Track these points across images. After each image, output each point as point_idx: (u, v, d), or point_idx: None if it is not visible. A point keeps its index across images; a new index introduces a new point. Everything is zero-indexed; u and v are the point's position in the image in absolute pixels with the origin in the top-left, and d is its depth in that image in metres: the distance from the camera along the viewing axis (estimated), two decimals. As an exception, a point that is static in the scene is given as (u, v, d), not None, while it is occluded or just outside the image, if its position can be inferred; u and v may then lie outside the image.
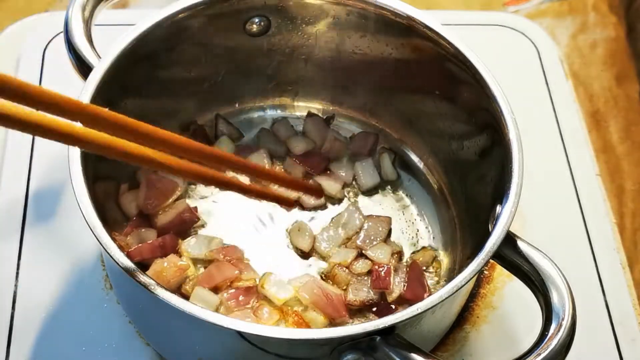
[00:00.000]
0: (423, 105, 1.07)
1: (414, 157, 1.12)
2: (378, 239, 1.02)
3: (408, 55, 1.02)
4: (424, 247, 1.04)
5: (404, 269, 0.98)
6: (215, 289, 0.95)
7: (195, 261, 0.98)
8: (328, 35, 1.05)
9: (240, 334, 0.76)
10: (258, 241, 1.03)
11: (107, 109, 0.69)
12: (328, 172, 1.08)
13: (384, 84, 1.08)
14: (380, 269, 0.96)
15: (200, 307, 0.76)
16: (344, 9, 1.01)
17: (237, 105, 1.14)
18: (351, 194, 1.08)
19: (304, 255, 1.02)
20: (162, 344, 0.94)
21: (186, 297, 0.93)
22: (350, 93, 1.12)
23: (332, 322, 0.93)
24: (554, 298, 0.80)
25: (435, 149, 1.09)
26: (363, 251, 1.01)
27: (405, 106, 1.09)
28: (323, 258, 1.02)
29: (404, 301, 0.96)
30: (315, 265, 1.01)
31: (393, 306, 0.96)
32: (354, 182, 1.09)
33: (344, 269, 0.99)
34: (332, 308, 0.93)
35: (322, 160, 1.09)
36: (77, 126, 0.67)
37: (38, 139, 1.10)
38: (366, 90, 1.11)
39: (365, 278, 0.98)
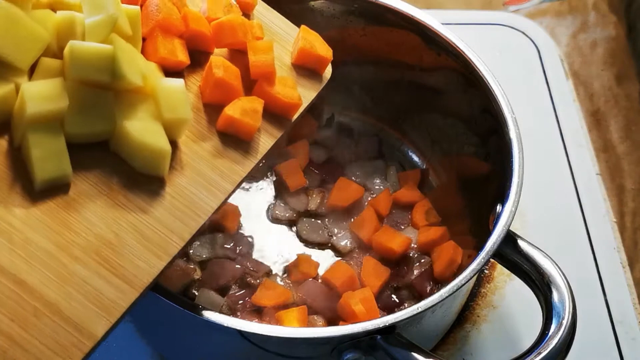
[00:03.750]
0: (423, 105, 1.07)
1: (415, 157, 1.12)
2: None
3: (408, 54, 1.03)
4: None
5: (427, 264, 0.98)
6: (223, 290, 0.95)
7: (203, 264, 0.98)
8: (328, 34, 1.05)
9: (241, 333, 0.76)
10: (264, 237, 1.03)
11: None
12: (343, 176, 1.08)
13: (383, 83, 1.08)
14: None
15: (200, 306, 0.77)
16: (344, 8, 1.02)
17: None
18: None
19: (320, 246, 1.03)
20: (163, 343, 0.95)
21: (193, 299, 0.93)
22: (350, 93, 1.12)
23: (333, 322, 0.93)
24: (555, 297, 0.80)
25: (436, 148, 1.09)
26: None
27: (405, 106, 1.09)
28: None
29: (410, 287, 0.97)
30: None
31: (396, 300, 0.96)
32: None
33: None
34: (330, 311, 0.93)
35: (337, 166, 1.09)
36: None
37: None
38: (366, 90, 1.11)
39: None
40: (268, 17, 0.93)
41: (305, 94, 0.89)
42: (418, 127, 1.10)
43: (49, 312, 0.67)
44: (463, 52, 0.96)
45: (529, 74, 1.26)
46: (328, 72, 0.93)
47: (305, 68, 0.91)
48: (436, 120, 1.06)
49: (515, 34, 1.31)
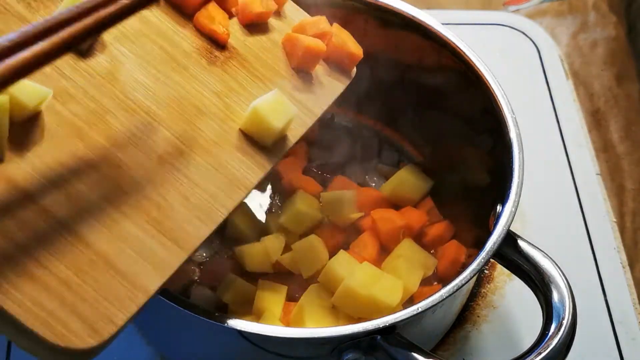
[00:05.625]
0: (423, 105, 1.07)
1: (414, 156, 1.12)
2: None
3: (407, 54, 1.03)
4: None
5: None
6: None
7: (202, 264, 0.98)
8: (328, 34, 1.05)
9: (241, 333, 0.76)
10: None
11: None
12: (342, 174, 1.08)
13: (383, 83, 1.08)
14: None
15: (200, 306, 0.77)
16: (344, 7, 1.01)
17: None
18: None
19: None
20: (163, 343, 0.95)
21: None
22: (350, 93, 1.12)
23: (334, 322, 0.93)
24: (555, 297, 0.80)
25: (436, 148, 1.09)
26: None
27: (404, 106, 1.09)
28: None
29: None
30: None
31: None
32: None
33: None
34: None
35: (337, 166, 1.09)
36: None
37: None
38: (366, 90, 1.11)
39: None
40: (296, 14, 0.96)
41: (334, 86, 0.92)
42: (418, 127, 1.10)
43: (104, 263, 0.69)
44: (463, 52, 0.96)
45: (529, 74, 1.26)
46: (354, 70, 0.97)
47: (334, 63, 0.94)
48: (436, 121, 1.06)
49: (515, 34, 1.31)
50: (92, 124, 0.75)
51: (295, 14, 0.96)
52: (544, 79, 1.26)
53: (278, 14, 0.94)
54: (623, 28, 1.37)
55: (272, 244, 0.97)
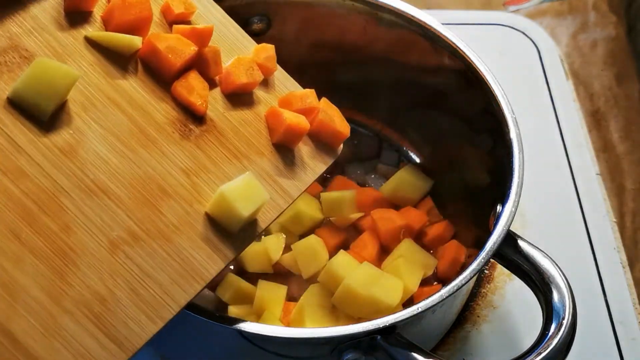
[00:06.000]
0: (423, 105, 1.07)
1: (414, 156, 1.12)
2: None
3: (408, 54, 1.03)
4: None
5: None
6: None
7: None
8: (327, 34, 1.05)
9: (241, 333, 0.76)
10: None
11: None
12: (342, 174, 1.08)
13: (383, 83, 1.08)
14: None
15: (200, 306, 0.77)
16: (344, 7, 1.02)
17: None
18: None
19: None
20: (163, 343, 0.94)
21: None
22: (350, 93, 1.12)
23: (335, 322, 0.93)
24: (555, 297, 0.80)
25: (436, 148, 1.09)
26: None
27: (404, 106, 1.09)
28: None
29: None
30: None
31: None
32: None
33: None
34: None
35: (337, 165, 1.09)
36: None
37: None
38: (366, 90, 1.11)
39: None
40: (285, 84, 0.90)
41: (315, 165, 0.87)
42: (418, 127, 1.10)
43: None
44: (463, 52, 0.96)
45: (529, 74, 1.26)
46: (340, 147, 0.91)
47: (319, 140, 0.88)
48: (436, 120, 1.06)
49: (515, 34, 1.31)
50: (43, 206, 0.69)
51: (284, 84, 0.90)
52: (544, 79, 1.26)
53: (265, 82, 0.88)
54: (623, 28, 1.37)
55: (272, 244, 0.97)
